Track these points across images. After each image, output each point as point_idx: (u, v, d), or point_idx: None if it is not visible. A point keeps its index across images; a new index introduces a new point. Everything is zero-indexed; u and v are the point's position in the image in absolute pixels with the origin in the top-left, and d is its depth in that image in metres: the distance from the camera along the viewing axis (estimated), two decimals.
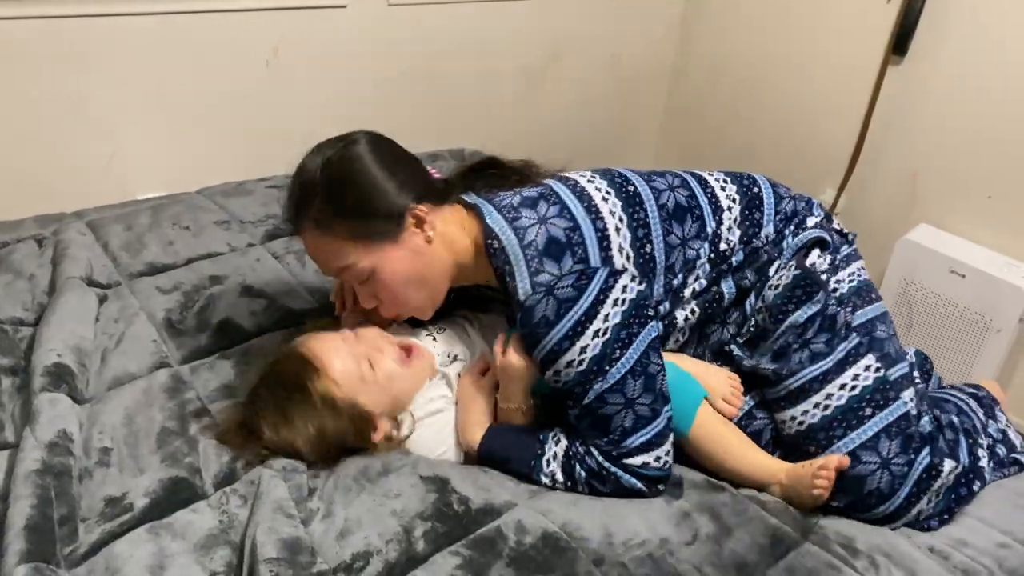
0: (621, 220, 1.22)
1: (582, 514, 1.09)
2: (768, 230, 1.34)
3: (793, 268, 1.30)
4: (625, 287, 1.16)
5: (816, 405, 1.23)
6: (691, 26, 3.00)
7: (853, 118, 2.55)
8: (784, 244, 1.34)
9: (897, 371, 1.27)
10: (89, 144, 1.97)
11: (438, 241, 1.21)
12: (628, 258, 1.21)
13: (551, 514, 1.09)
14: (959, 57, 2.28)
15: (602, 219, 1.21)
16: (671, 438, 1.17)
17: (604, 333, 1.13)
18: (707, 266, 1.30)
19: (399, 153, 1.25)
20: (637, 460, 1.15)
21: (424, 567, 1.00)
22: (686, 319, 1.30)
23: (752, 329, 1.33)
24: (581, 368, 1.13)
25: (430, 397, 1.25)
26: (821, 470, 1.16)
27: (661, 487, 1.17)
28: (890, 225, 2.50)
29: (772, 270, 1.31)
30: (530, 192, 1.24)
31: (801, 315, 1.26)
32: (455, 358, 1.30)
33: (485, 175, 1.33)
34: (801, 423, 1.24)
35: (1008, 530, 1.16)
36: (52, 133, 1.91)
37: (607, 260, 1.18)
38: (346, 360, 1.20)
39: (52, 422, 1.13)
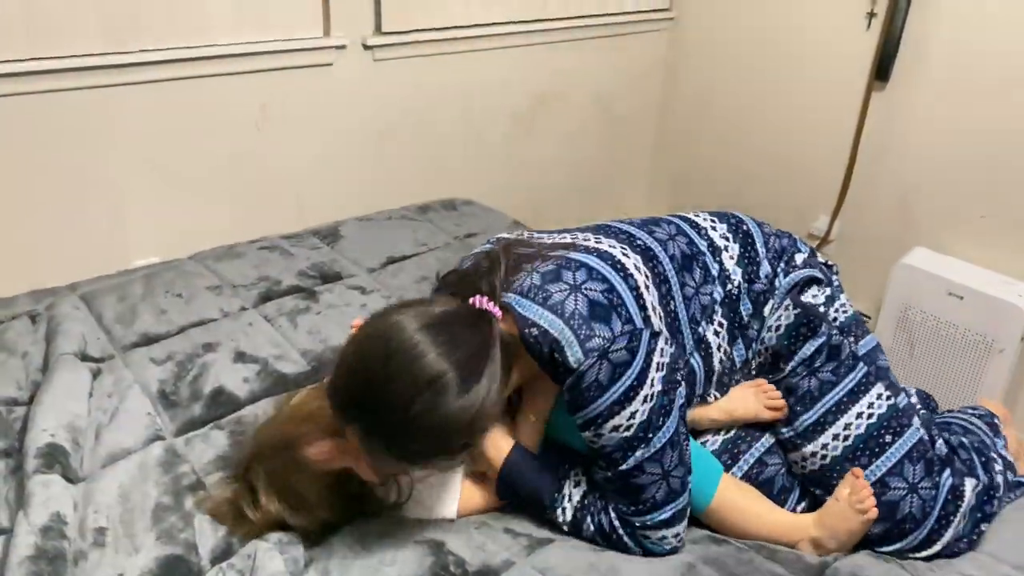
0: (647, 276, 1.20)
1: (582, 571, 1.08)
2: (765, 269, 1.34)
3: (792, 308, 1.30)
4: (662, 350, 1.13)
5: (836, 437, 1.24)
6: (675, 63, 3.04)
7: (842, 145, 2.57)
8: (776, 283, 1.34)
9: (903, 399, 1.28)
10: (86, 214, 1.99)
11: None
12: (660, 317, 1.19)
13: (550, 572, 1.07)
14: (941, 79, 2.31)
15: (632, 276, 1.18)
16: (688, 514, 1.17)
17: (651, 399, 1.10)
18: (721, 310, 1.29)
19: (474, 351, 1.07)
20: (658, 534, 1.14)
21: None
22: (721, 362, 1.30)
23: (754, 374, 1.34)
24: (627, 434, 1.10)
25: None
26: (854, 494, 1.17)
27: (664, 557, 1.16)
28: (885, 249, 2.50)
29: (767, 310, 1.31)
30: (548, 267, 1.17)
31: (808, 349, 1.28)
32: None
33: (493, 270, 1.21)
34: (824, 456, 1.25)
35: (1019, 564, 1.14)
36: (49, 205, 1.93)
37: (647, 321, 1.15)
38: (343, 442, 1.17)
39: (45, 505, 1.12)
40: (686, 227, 1.34)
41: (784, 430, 1.29)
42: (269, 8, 2.09)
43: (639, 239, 1.27)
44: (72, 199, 1.95)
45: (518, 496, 1.19)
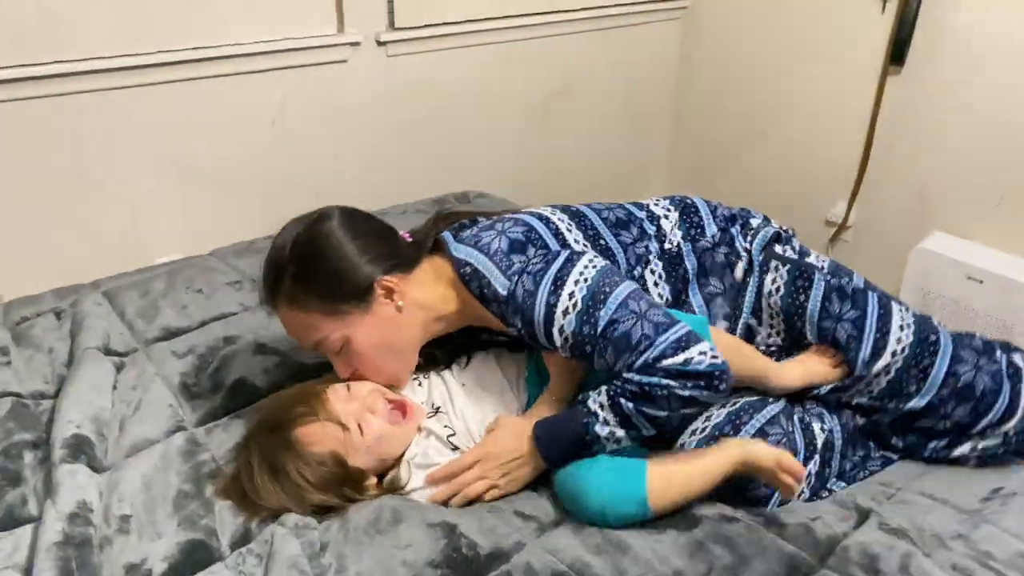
0: (570, 226, 1.35)
1: (591, 551, 1.10)
2: (712, 230, 1.43)
3: (782, 266, 1.39)
4: (591, 261, 1.24)
5: (894, 353, 1.32)
6: (690, 53, 3.03)
7: (858, 130, 2.56)
8: (738, 245, 1.43)
9: (918, 313, 1.40)
10: (107, 213, 2.03)
11: (409, 308, 1.28)
12: (586, 246, 1.33)
13: (560, 553, 1.09)
14: (957, 63, 2.29)
15: (553, 224, 1.34)
16: (708, 340, 1.16)
17: (586, 279, 1.21)
18: (659, 264, 1.38)
19: (371, 226, 1.32)
20: (676, 360, 1.12)
21: None
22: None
23: (782, 343, 1.41)
24: (578, 308, 1.19)
25: (424, 450, 1.27)
26: (786, 468, 1.15)
27: (720, 385, 1.13)
28: (903, 235, 2.49)
29: (737, 272, 1.40)
30: (486, 222, 1.37)
31: (815, 302, 1.36)
32: (437, 409, 1.32)
33: (448, 222, 1.43)
34: (888, 371, 1.32)
35: None
36: (71, 205, 1.97)
37: (565, 246, 1.31)
38: (334, 427, 1.21)
39: (72, 493, 1.16)
40: (628, 205, 1.46)
41: (847, 381, 1.35)
42: (282, 6, 2.12)
43: (574, 207, 1.42)
44: (94, 199, 2.00)
45: (563, 448, 1.19)
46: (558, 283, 1.21)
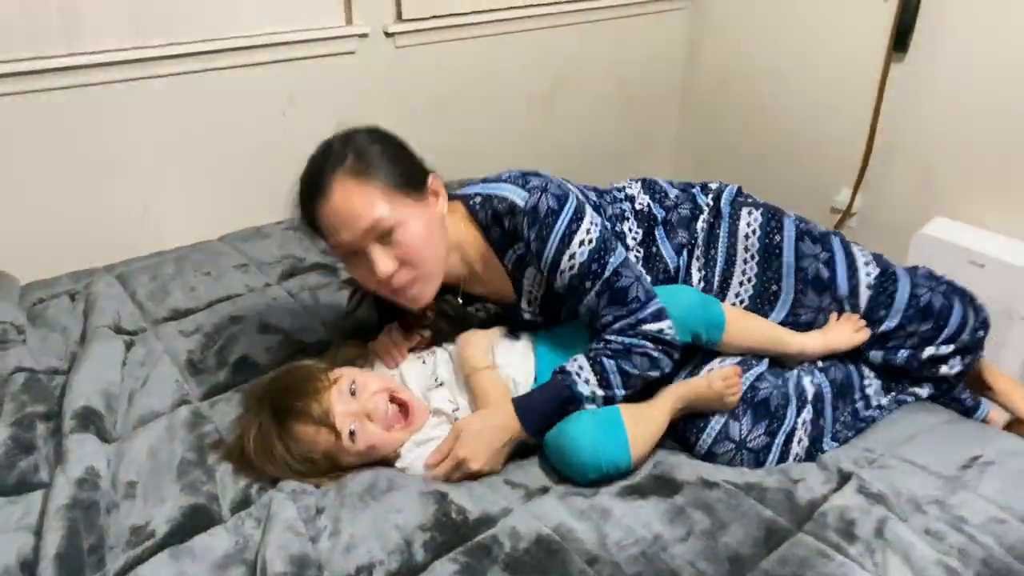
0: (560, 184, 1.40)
1: (575, 516, 1.14)
2: (674, 192, 1.57)
3: (755, 209, 1.52)
4: (594, 214, 1.33)
5: (868, 286, 1.47)
6: (696, 41, 3.05)
7: (862, 117, 2.57)
8: (699, 200, 1.55)
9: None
10: (122, 201, 2.09)
11: (446, 219, 1.34)
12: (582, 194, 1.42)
13: (544, 517, 1.13)
14: (960, 49, 2.29)
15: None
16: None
17: (595, 228, 1.31)
18: (633, 220, 1.50)
19: None
20: (654, 327, 1.30)
21: (424, 575, 1.05)
22: (637, 258, 1.49)
23: (762, 288, 1.51)
24: (592, 245, 1.29)
25: (426, 435, 1.30)
26: (729, 385, 1.31)
27: (675, 356, 1.33)
28: (907, 220, 2.49)
29: (725, 227, 1.51)
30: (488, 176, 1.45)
31: (790, 239, 1.49)
32: (440, 383, 1.36)
33: None
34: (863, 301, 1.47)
35: (1007, 506, 1.16)
36: (86, 192, 2.03)
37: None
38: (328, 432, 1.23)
39: (81, 460, 1.22)
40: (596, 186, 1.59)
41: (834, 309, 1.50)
42: None
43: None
44: (109, 187, 2.06)
45: (543, 414, 1.27)
46: (578, 215, 1.30)
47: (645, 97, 3.09)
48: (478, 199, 1.36)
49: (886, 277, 1.47)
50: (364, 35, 2.32)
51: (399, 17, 2.37)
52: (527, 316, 1.44)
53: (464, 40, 2.53)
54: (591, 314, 1.33)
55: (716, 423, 1.32)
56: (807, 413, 1.35)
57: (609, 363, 1.28)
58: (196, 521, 1.15)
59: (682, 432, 1.35)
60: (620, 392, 1.29)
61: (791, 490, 1.19)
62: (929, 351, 1.45)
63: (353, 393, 1.26)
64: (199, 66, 2.09)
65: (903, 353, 1.46)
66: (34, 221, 1.98)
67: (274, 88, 2.24)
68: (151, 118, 2.06)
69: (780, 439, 1.32)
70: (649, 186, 1.58)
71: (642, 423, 1.27)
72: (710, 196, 1.56)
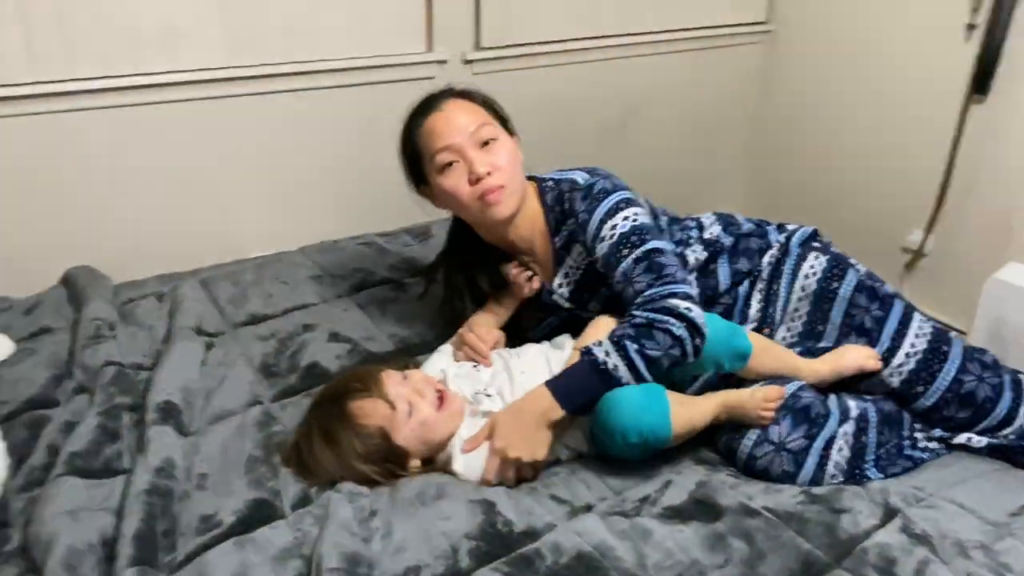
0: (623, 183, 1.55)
1: (616, 536, 1.18)
2: (748, 226, 1.63)
3: (822, 255, 1.55)
4: (637, 211, 1.46)
5: (907, 355, 1.46)
6: (769, 74, 3.06)
7: (937, 158, 2.54)
8: (771, 237, 1.60)
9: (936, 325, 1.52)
10: (210, 211, 2.22)
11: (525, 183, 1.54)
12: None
13: (586, 534, 1.17)
14: None
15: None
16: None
17: (639, 216, 1.46)
18: (699, 245, 1.57)
19: None
20: (682, 304, 1.34)
21: None
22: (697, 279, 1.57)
23: (809, 327, 1.54)
24: (635, 222, 1.43)
25: (471, 431, 1.37)
26: (768, 399, 1.34)
27: (698, 340, 1.35)
28: (980, 264, 2.45)
29: (790, 266, 1.55)
30: None
31: (847, 289, 1.51)
32: (489, 395, 1.41)
33: None
34: (900, 371, 1.46)
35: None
36: (178, 203, 2.17)
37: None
38: (384, 405, 1.33)
39: (160, 451, 1.31)
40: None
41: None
42: (376, 26, 2.27)
43: None
44: (198, 197, 2.19)
45: (578, 385, 1.33)
46: (628, 201, 1.47)
47: (716, 130, 3.11)
48: (550, 183, 1.56)
49: (934, 354, 1.46)
50: (443, 62, 2.41)
51: (478, 45, 2.46)
52: (557, 297, 1.58)
53: (539, 68, 2.60)
54: (625, 280, 1.41)
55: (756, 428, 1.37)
56: (849, 426, 1.38)
57: (632, 346, 1.31)
58: (260, 514, 1.23)
59: (726, 443, 1.40)
60: (644, 374, 1.32)
61: (832, 522, 1.20)
62: (961, 438, 1.45)
63: (404, 379, 1.38)
64: (286, 86, 2.21)
65: (936, 431, 1.46)
66: (128, 226, 2.12)
67: (355, 110, 2.34)
68: (239, 134, 2.19)
69: (819, 443, 1.35)
70: (723, 218, 1.65)
71: (686, 404, 1.35)
72: (783, 235, 1.61)
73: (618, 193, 1.47)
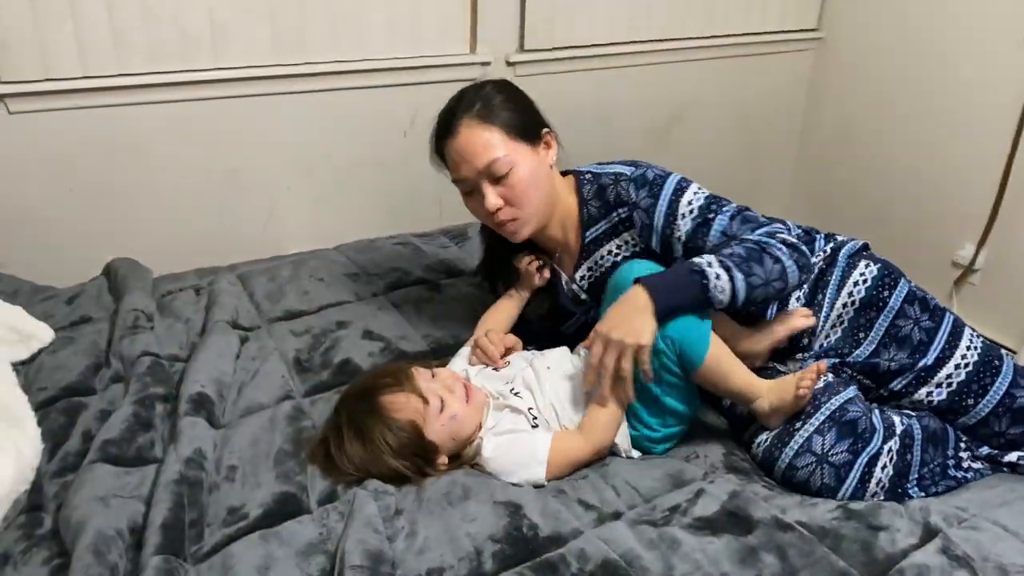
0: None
1: (644, 545, 1.15)
2: (796, 231, 1.57)
3: (874, 263, 1.52)
4: (699, 186, 1.47)
5: (957, 366, 1.43)
6: (820, 83, 3.01)
7: (992, 171, 2.47)
8: (817, 245, 1.57)
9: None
10: (250, 207, 2.25)
11: (550, 174, 1.51)
12: None
13: (613, 542, 1.15)
14: None
15: None
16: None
17: (704, 192, 1.46)
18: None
19: None
20: (790, 237, 1.38)
21: None
22: None
23: (849, 334, 1.50)
24: (705, 194, 1.45)
25: (498, 421, 1.37)
26: (804, 378, 1.31)
27: (806, 270, 1.38)
28: None
29: (837, 276, 1.52)
30: None
31: (898, 298, 1.48)
32: (517, 393, 1.40)
33: None
34: (950, 384, 1.43)
35: None
36: (219, 198, 2.20)
37: None
38: (417, 399, 1.32)
39: (191, 442, 1.32)
40: None
41: (908, 376, 1.45)
42: (421, 26, 2.28)
43: None
44: (239, 193, 2.22)
45: (672, 284, 1.32)
46: (685, 180, 1.47)
47: (763, 137, 3.07)
48: (588, 175, 1.54)
49: (986, 367, 1.43)
50: (487, 63, 2.42)
51: (521, 47, 2.45)
52: (576, 288, 1.60)
53: (583, 71, 2.59)
54: (724, 238, 1.40)
55: (800, 436, 1.32)
56: (894, 443, 1.34)
57: (738, 273, 1.30)
58: (286, 508, 1.23)
59: (766, 450, 1.36)
60: (740, 300, 1.32)
61: (869, 540, 1.16)
62: (1011, 456, 1.41)
63: (433, 376, 1.38)
64: (330, 85, 2.23)
65: (983, 450, 1.43)
66: (171, 220, 2.15)
67: (398, 110, 2.35)
68: (282, 131, 2.21)
69: (863, 459, 1.30)
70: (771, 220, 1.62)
71: (728, 357, 1.36)
72: (830, 245, 1.57)
73: (672, 175, 1.48)
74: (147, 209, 2.12)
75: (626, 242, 1.52)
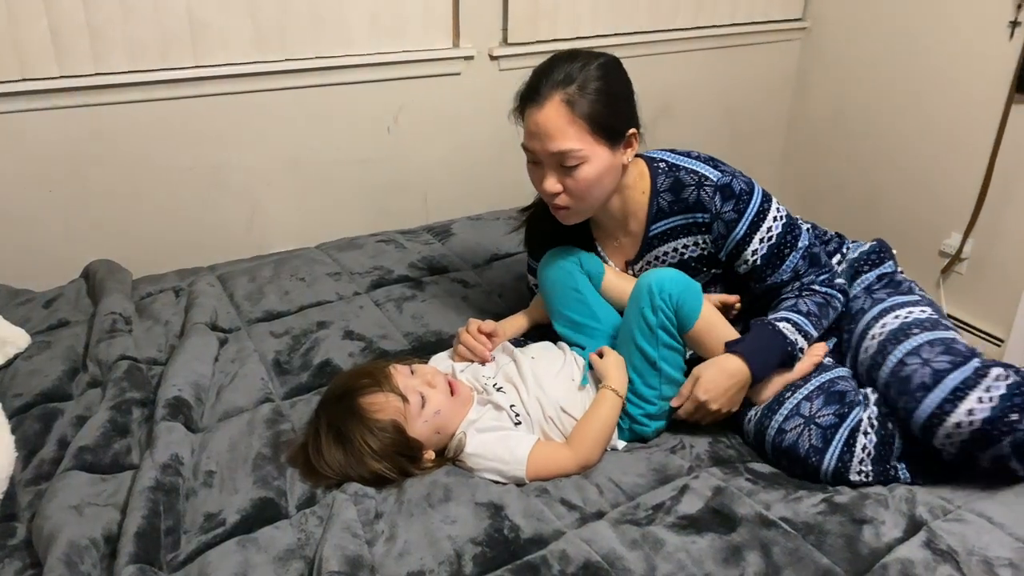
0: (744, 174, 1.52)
1: (627, 545, 1.14)
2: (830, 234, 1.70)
3: (871, 241, 1.61)
4: (779, 207, 1.47)
5: (873, 337, 1.43)
6: (807, 74, 2.99)
7: (978, 160, 2.46)
8: (843, 249, 1.67)
9: (953, 332, 1.41)
10: (232, 206, 2.23)
11: (626, 168, 1.45)
12: None
13: (595, 543, 1.13)
14: None
15: None
16: None
17: (783, 214, 1.47)
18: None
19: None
20: (842, 281, 1.52)
21: None
22: None
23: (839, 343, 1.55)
24: (784, 222, 1.45)
25: (481, 416, 1.35)
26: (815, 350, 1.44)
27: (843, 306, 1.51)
28: (1020, 270, 2.38)
29: (845, 248, 1.65)
30: None
31: (872, 275, 1.57)
32: (499, 388, 1.39)
33: None
34: (866, 351, 1.43)
35: None
36: (200, 197, 2.17)
37: None
38: (396, 398, 1.31)
39: (167, 447, 1.30)
40: None
41: (844, 334, 1.53)
42: (403, 21, 2.26)
43: None
44: (219, 192, 2.19)
45: (771, 366, 1.39)
46: (767, 197, 1.46)
47: (750, 129, 3.05)
48: (663, 164, 1.48)
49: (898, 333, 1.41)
50: (470, 57, 2.39)
51: (505, 41, 2.43)
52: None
53: None
54: (793, 275, 1.46)
55: (790, 403, 1.37)
56: (872, 411, 1.34)
57: (813, 336, 1.43)
58: (264, 514, 1.21)
59: (757, 421, 1.39)
60: (809, 339, 1.43)
61: (853, 535, 1.15)
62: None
63: (412, 372, 1.37)
64: (312, 82, 2.20)
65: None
66: (152, 220, 2.13)
67: (381, 106, 2.33)
68: (264, 129, 2.19)
69: (849, 423, 1.33)
70: (812, 225, 1.71)
71: (720, 315, 1.42)
72: (854, 246, 1.66)
73: (756, 190, 1.46)
74: (127, 210, 2.09)
75: (696, 243, 1.50)
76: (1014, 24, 2.32)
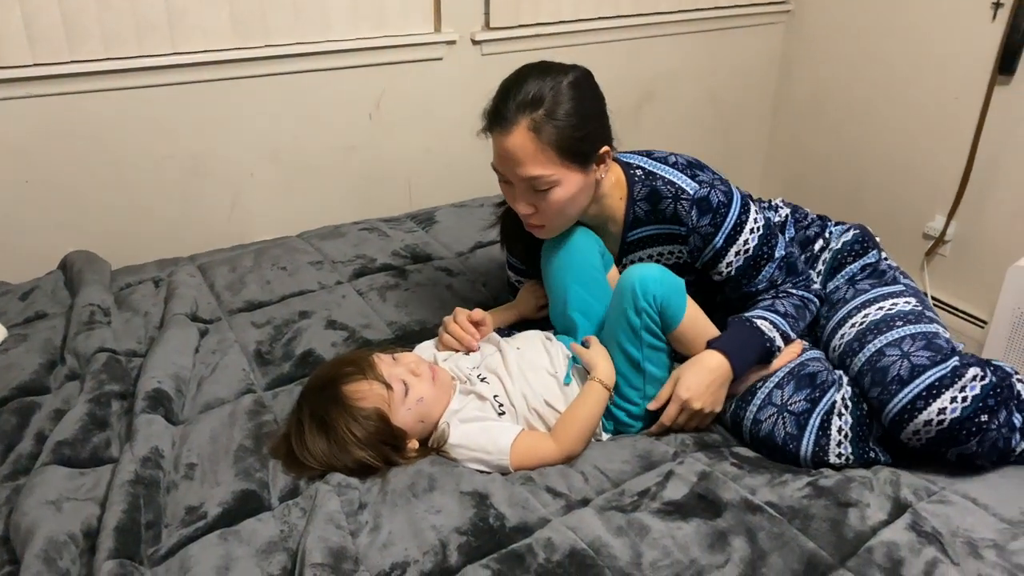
0: (724, 180, 1.49)
1: (612, 532, 1.13)
2: (812, 217, 1.70)
3: (853, 229, 1.61)
4: (756, 217, 1.43)
5: (853, 325, 1.43)
6: (791, 57, 2.98)
7: (961, 142, 2.47)
8: (827, 231, 1.66)
9: (937, 325, 1.40)
10: (213, 195, 2.20)
11: (600, 182, 1.42)
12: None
13: (581, 530, 1.13)
14: None
15: None
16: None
17: (758, 221, 1.44)
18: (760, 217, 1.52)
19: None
20: (817, 286, 1.54)
21: None
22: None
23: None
24: (760, 233, 1.43)
25: (464, 406, 1.34)
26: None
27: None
28: (1003, 252, 2.38)
29: (828, 233, 1.64)
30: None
31: (856, 266, 1.57)
32: (483, 379, 1.38)
33: None
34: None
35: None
36: (181, 186, 2.14)
37: None
38: (380, 386, 1.30)
39: (147, 440, 1.28)
40: None
41: (821, 319, 1.54)
42: (384, 7, 2.23)
43: None
44: (199, 181, 2.16)
45: (748, 363, 1.39)
46: (746, 207, 1.42)
47: (734, 113, 3.04)
48: (639, 172, 1.45)
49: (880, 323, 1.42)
50: (452, 42, 2.37)
51: (487, 25, 2.41)
52: None
53: (550, 49, 2.54)
54: (769, 284, 1.47)
55: (762, 392, 1.38)
56: (846, 392, 1.35)
57: (789, 328, 1.42)
58: (246, 506, 1.20)
59: (734, 412, 1.40)
60: (788, 340, 1.44)
61: (839, 518, 1.15)
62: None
63: (395, 360, 1.36)
64: (292, 68, 2.17)
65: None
66: (130, 210, 2.10)
67: (362, 92, 2.30)
68: (244, 117, 2.16)
69: (823, 407, 1.33)
70: (794, 208, 1.70)
71: (703, 315, 1.42)
72: (838, 229, 1.65)
73: (734, 202, 1.41)
74: (106, 200, 2.06)
75: (672, 252, 1.49)
76: (996, 5, 2.31)
